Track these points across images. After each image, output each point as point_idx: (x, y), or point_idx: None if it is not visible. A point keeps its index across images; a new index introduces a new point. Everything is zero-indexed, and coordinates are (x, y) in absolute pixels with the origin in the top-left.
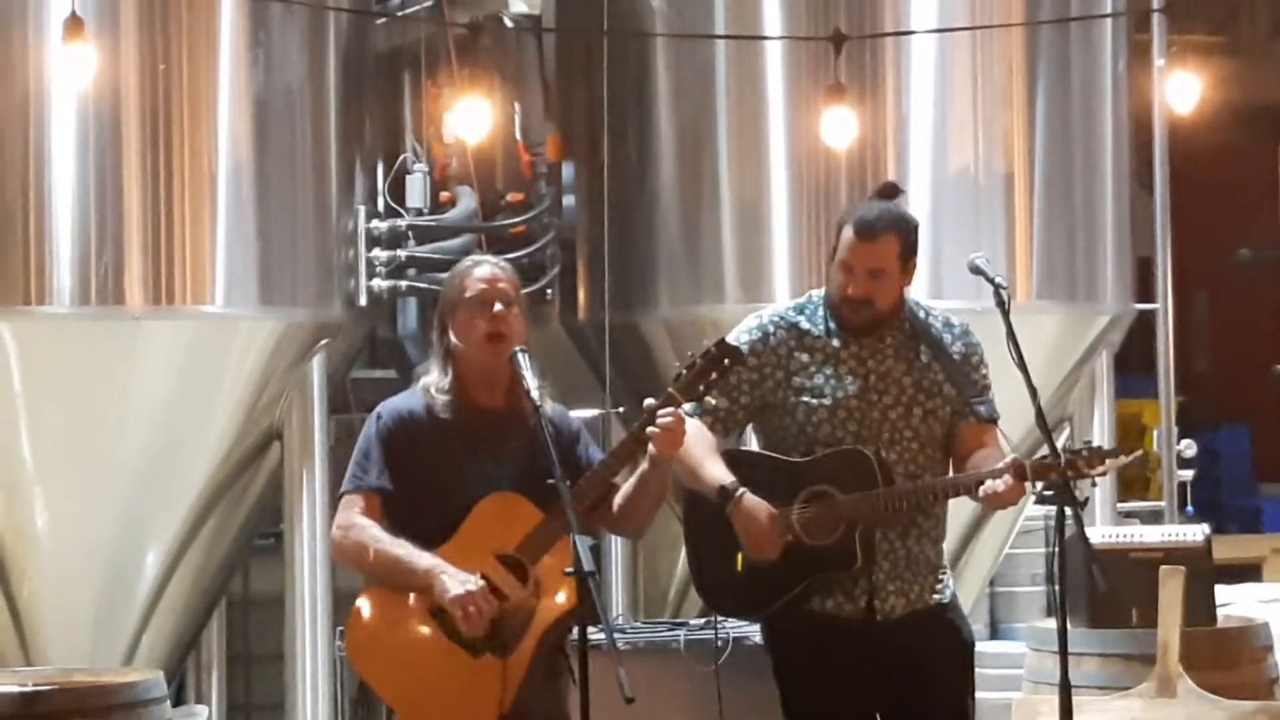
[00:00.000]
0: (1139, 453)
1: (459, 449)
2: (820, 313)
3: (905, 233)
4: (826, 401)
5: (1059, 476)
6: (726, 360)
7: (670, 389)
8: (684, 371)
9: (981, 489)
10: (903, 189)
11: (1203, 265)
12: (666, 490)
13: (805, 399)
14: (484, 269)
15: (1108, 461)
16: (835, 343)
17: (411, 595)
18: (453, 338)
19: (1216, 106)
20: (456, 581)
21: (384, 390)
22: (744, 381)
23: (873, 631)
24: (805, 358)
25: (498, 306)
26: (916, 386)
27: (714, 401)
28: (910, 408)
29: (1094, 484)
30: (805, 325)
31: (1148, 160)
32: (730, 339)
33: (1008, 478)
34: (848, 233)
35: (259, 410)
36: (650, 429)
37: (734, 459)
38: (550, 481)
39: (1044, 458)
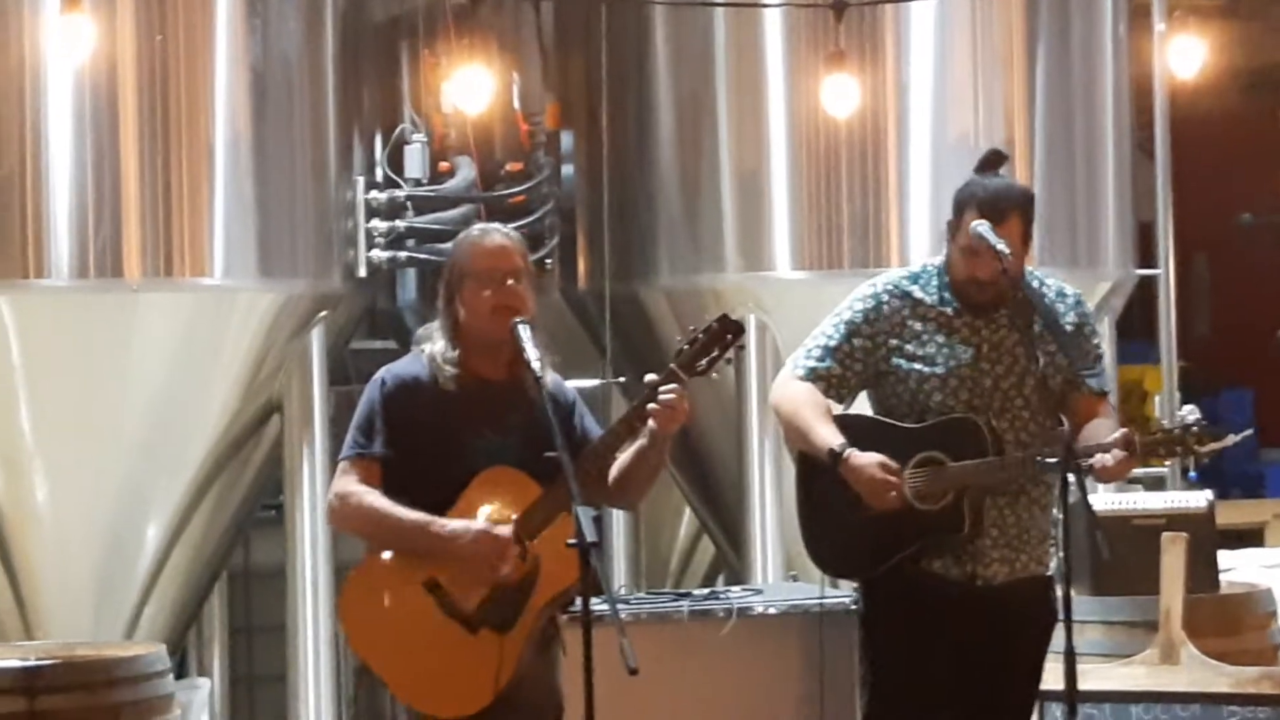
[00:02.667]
0: (1249, 431)
1: (462, 420)
2: (934, 283)
3: (1027, 209)
4: (939, 370)
5: (1168, 453)
6: (729, 336)
7: (672, 365)
8: (686, 346)
9: (1091, 462)
10: (1006, 154)
11: (1204, 229)
12: (664, 464)
13: (918, 366)
14: (493, 239)
15: (1216, 441)
16: (949, 311)
17: (405, 570)
18: (460, 309)
19: (1217, 70)
20: (468, 532)
21: (383, 361)
22: (857, 349)
23: (972, 596)
24: (918, 326)
25: (509, 281)
26: (1029, 356)
27: (827, 365)
28: (1023, 377)
29: (1202, 460)
30: (919, 294)
31: (1148, 125)
32: (841, 308)
33: (1118, 452)
34: (972, 216)
35: (259, 382)
36: (651, 405)
37: (845, 424)
38: (550, 454)
39: (1155, 433)
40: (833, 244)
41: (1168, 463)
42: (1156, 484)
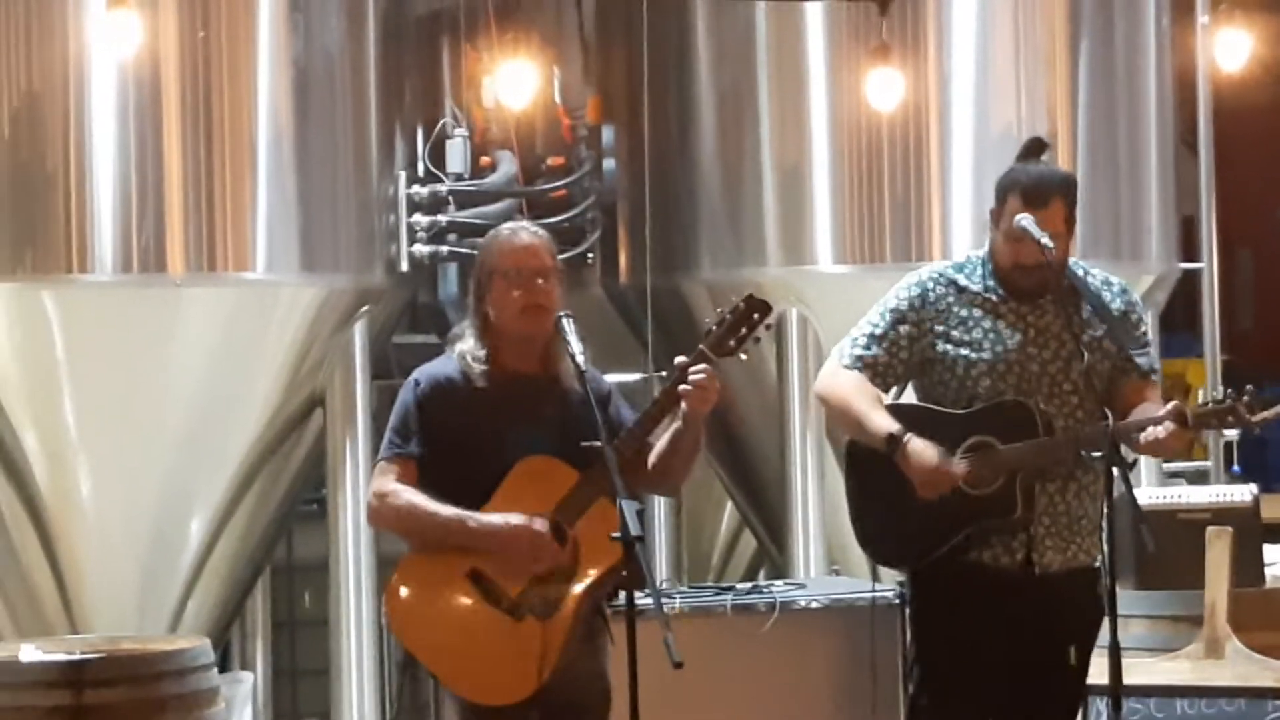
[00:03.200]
0: None
1: (496, 415)
2: (979, 272)
3: (1070, 193)
4: (986, 355)
5: (1220, 424)
6: (756, 315)
7: (701, 346)
8: (714, 328)
9: (1143, 435)
10: (1048, 142)
11: (1247, 224)
12: (700, 446)
13: (965, 353)
14: (522, 238)
15: (1268, 410)
16: (994, 298)
17: (449, 562)
18: (489, 307)
19: (1263, 63)
20: (506, 525)
21: (426, 356)
22: (903, 336)
23: (1028, 585)
24: (964, 313)
25: (538, 280)
26: (1076, 341)
27: (874, 353)
28: (1069, 362)
29: (1255, 431)
30: (964, 282)
31: (1191, 118)
32: (888, 296)
33: (1169, 424)
34: (1015, 203)
35: (301, 376)
36: (683, 386)
37: (895, 412)
38: (586, 444)
39: (1205, 403)
40: (874, 237)
41: (1227, 433)
42: (1200, 478)
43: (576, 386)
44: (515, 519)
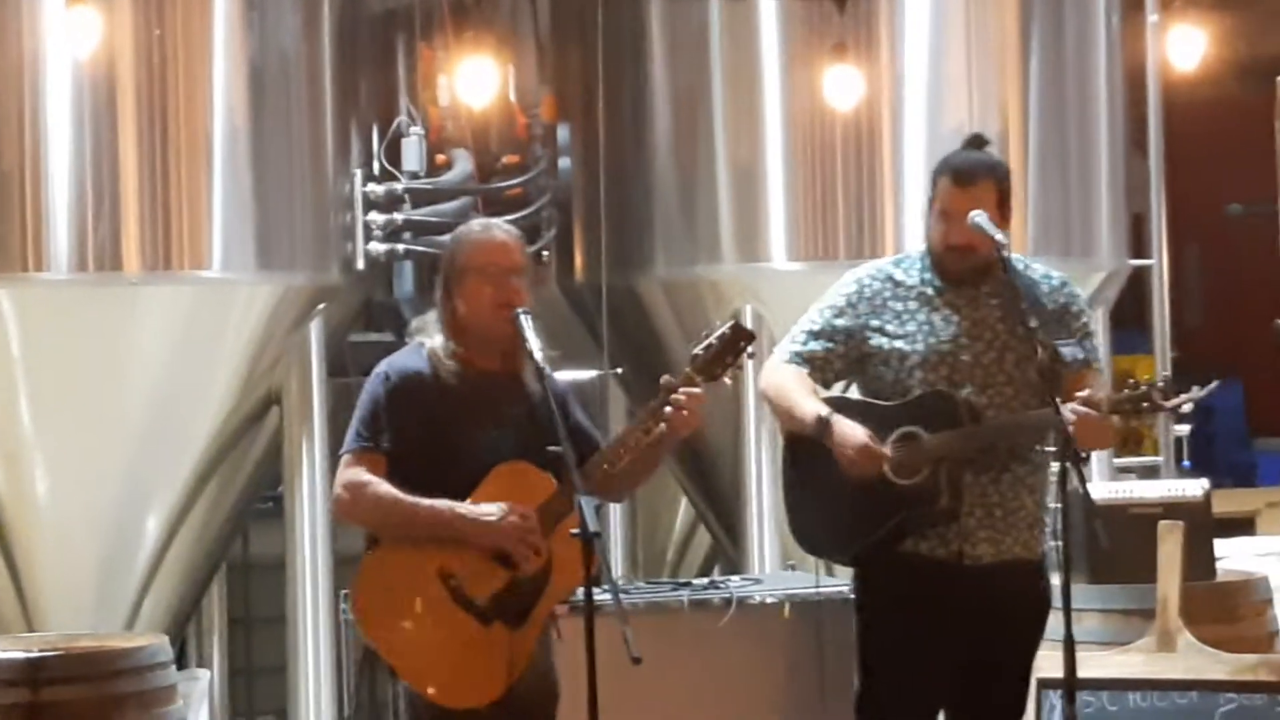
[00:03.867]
0: (1216, 383)
1: (463, 413)
2: (917, 265)
3: (1001, 178)
4: (919, 347)
5: (1134, 408)
6: (742, 343)
7: (688, 369)
8: (701, 351)
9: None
10: (988, 139)
11: (1195, 219)
12: (659, 465)
13: (899, 345)
14: (496, 235)
15: (1183, 394)
16: (930, 291)
17: (417, 560)
18: (459, 303)
19: (1207, 61)
20: (501, 514)
21: (381, 353)
22: (840, 331)
23: (960, 576)
24: (899, 306)
25: (512, 279)
26: (1010, 332)
27: (811, 348)
28: (1003, 353)
29: (1170, 418)
30: (901, 276)
31: (1141, 116)
32: (826, 294)
33: (1077, 407)
34: (945, 182)
35: (258, 375)
36: (670, 409)
37: (831, 404)
38: (553, 448)
39: (1123, 390)
40: (828, 235)
41: (1177, 428)
42: (1150, 473)
43: (536, 386)
44: (512, 507)
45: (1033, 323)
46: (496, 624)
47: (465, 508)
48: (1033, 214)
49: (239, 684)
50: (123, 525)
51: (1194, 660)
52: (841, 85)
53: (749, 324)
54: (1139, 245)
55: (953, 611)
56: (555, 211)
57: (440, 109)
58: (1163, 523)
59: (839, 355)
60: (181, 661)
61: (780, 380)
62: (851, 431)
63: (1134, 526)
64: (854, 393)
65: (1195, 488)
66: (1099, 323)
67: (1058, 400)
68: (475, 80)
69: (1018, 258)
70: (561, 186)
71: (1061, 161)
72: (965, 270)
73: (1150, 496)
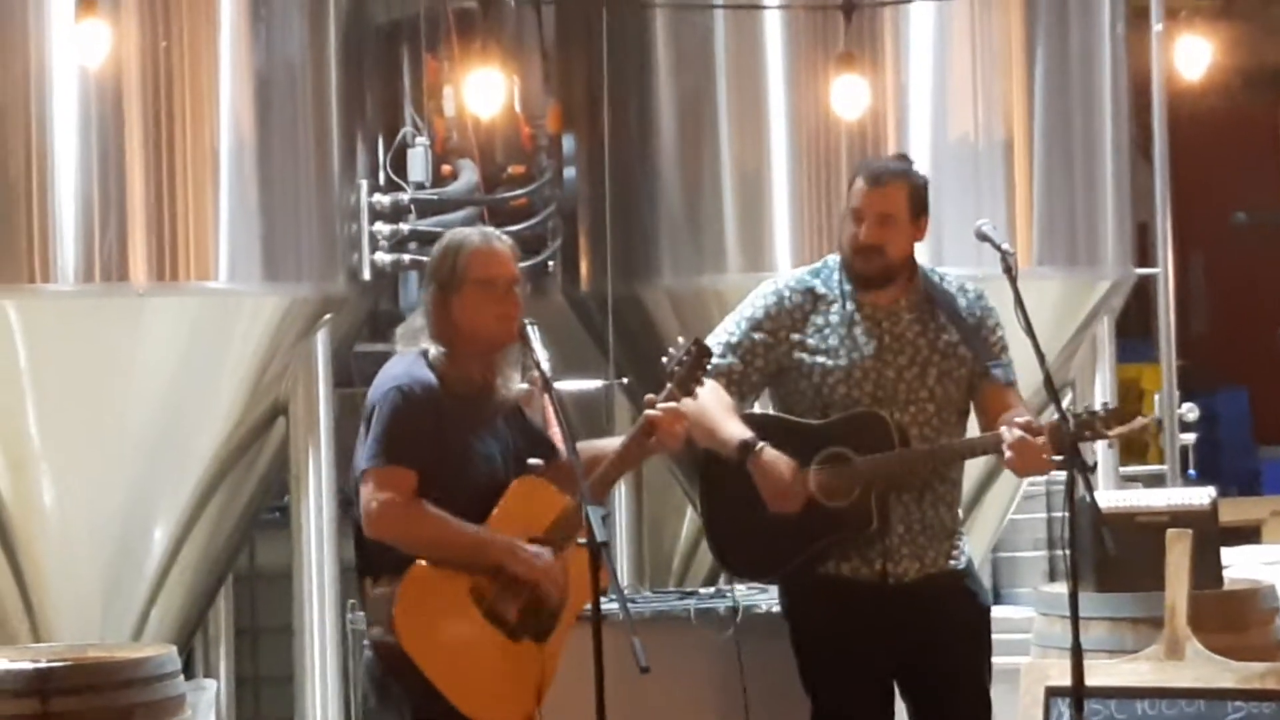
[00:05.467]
0: (1154, 417)
1: (465, 425)
2: (835, 276)
3: (913, 182)
4: (842, 363)
5: (1074, 437)
6: (705, 359)
7: (671, 386)
8: (676, 369)
9: (1006, 448)
10: (910, 160)
11: (1200, 228)
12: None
13: (820, 360)
14: (495, 246)
15: (1125, 424)
16: (850, 306)
17: (453, 578)
18: (458, 314)
19: (1212, 70)
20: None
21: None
22: (759, 344)
23: (886, 595)
24: (820, 320)
25: (512, 290)
26: (931, 348)
27: (729, 362)
28: (925, 368)
29: (1111, 445)
30: (821, 289)
31: (1146, 125)
32: (744, 305)
33: (1016, 431)
34: (858, 182)
35: (264, 385)
36: (658, 425)
37: (749, 422)
38: (533, 460)
39: (1064, 416)
40: (833, 244)
41: (1183, 437)
42: (1156, 482)
43: (509, 396)
44: (548, 554)
45: (954, 337)
46: (525, 640)
47: (520, 545)
48: (1038, 223)
49: (246, 694)
50: (129, 536)
51: (1202, 668)
52: (847, 95)
53: None
54: (1144, 254)
55: (882, 630)
56: (560, 222)
57: (445, 119)
58: (1170, 531)
59: (757, 369)
60: (188, 672)
61: (699, 399)
62: (777, 464)
63: (1141, 535)
64: (768, 405)
65: (1202, 496)
66: (1105, 331)
67: (978, 417)
68: (480, 91)
69: (930, 269)
70: (567, 197)
71: (1067, 170)
72: (874, 272)
73: (1157, 505)
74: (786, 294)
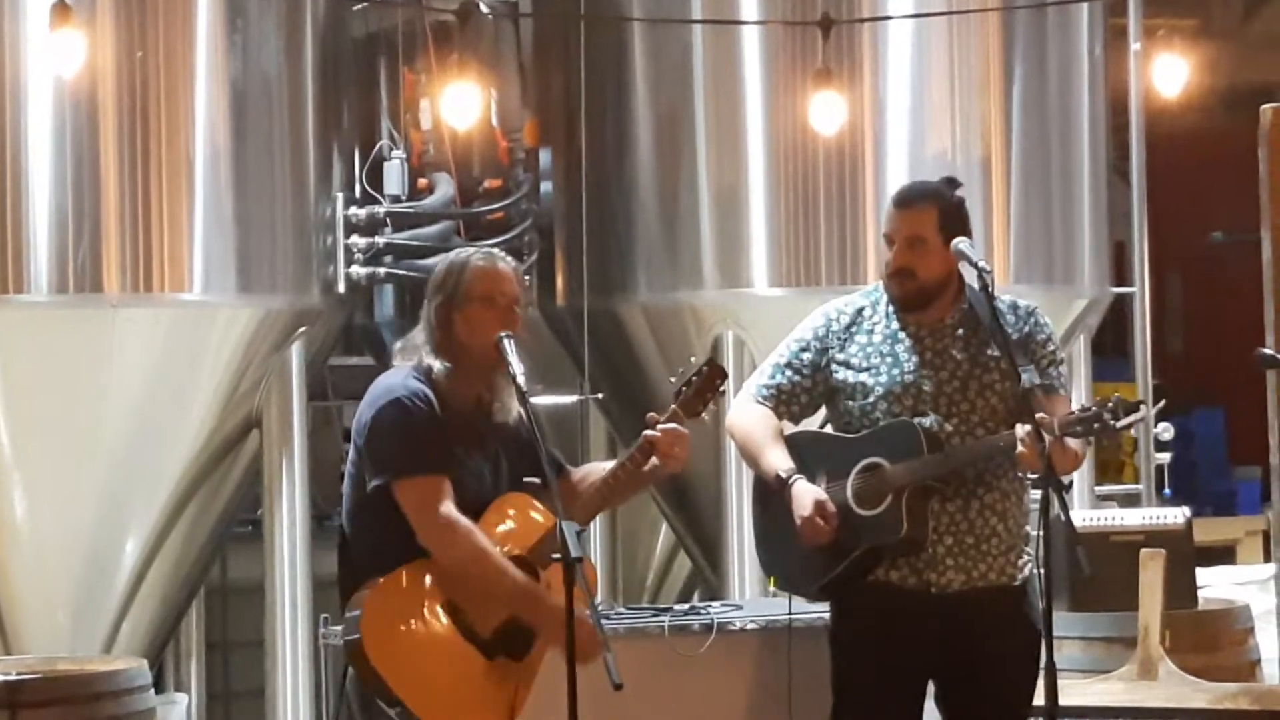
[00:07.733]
0: (1161, 403)
1: (460, 441)
2: (883, 298)
3: (942, 202)
4: (883, 379)
5: (1085, 430)
6: (718, 380)
7: (674, 406)
8: (683, 389)
9: (1016, 450)
10: (960, 183)
11: (1177, 248)
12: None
13: (863, 378)
14: (500, 265)
15: (1133, 414)
16: (894, 325)
17: (427, 590)
18: (460, 330)
19: (1190, 89)
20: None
21: (362, 377)
22: (807, 365)
23: (928, 604)
24: (864, 339)
25: (516, 308)
26: (973, 362)
27: (778, 382)
28: (966, 382)
29: (1105, 443)
30: (868, 309)
31: (1123, 144)
32: (797, 328)
33: (1027, 427)
34: (891, 207)
35: (238, 397)
36: (657, 446)
37: (793, 441)
38: (529, 479)
39: (1071, 413)
40: (810, 261)
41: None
42: (1131, 501)
43: (507, 413)
44: (557, 605)
45: (992, 351)
46: (500, 657)
47: (543, 594)
48: (1014, 241)
49: (217, 708)
50: (101, 548)
51: (1175, 688)
52: (824, 111)
53: (729, 350)
54: (1121, 273)
55: (922, 640)
56: (537, 236)
57: (422, 133)
58: (1144, 550)
59: (805, 389)
60: (159, 685)
61: (747, 424)
62: (803, 498)
63: (1116, 554)
64: (828, 426)
65: (1176, 515)
66: (1080, 350)
67: (1017, 424)
68: (457, 104)
69: (979, 289)
70: (543, 211)
71: (1044, 189)
72: (908, 295)
73: (1132, 524)
74: (834, 315)
